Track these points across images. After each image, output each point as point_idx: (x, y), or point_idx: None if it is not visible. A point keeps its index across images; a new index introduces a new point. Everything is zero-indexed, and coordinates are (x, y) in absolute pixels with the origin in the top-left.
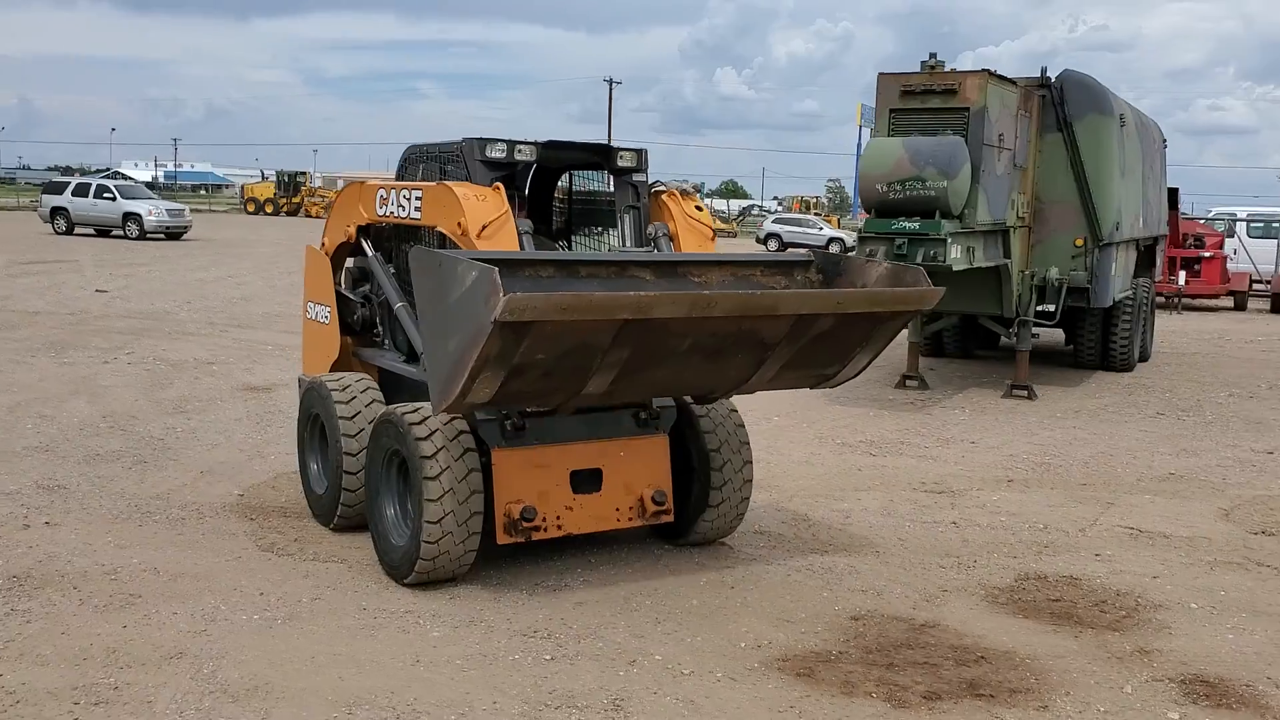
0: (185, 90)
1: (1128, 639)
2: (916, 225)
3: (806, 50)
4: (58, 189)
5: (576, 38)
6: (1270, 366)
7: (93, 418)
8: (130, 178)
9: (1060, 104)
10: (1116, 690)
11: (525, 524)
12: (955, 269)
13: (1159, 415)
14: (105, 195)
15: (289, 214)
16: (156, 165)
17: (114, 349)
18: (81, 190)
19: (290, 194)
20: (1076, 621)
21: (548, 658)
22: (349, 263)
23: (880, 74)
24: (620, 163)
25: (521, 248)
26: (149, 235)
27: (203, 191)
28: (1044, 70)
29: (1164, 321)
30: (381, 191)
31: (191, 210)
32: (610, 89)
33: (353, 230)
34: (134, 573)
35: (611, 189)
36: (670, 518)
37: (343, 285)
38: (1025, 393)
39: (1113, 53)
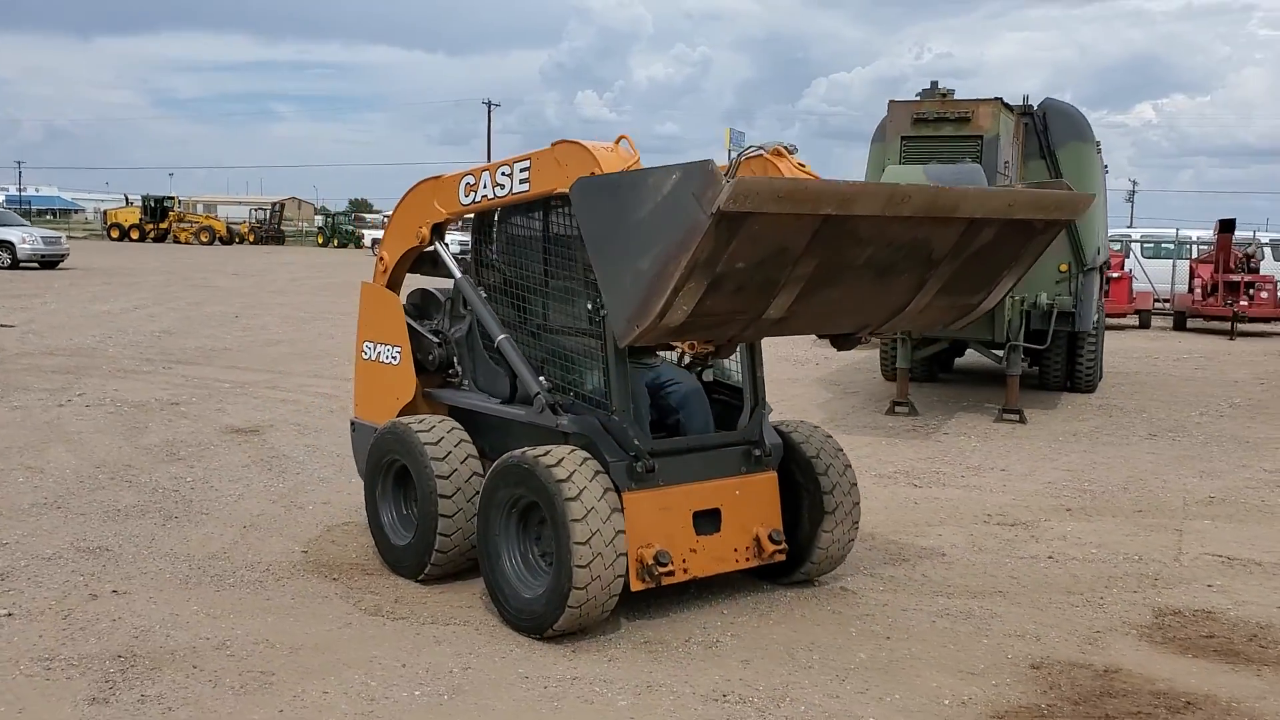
0: (24, 111)
1: None
2: None
3: (666, 74)
4: None
5: (437, 60)
6: (1216, 384)
7: (85, 468)
8: None
9: (1043, 131)
10: None
11: (660, 569)
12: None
13: (1153, 437)
14: None
15: (155, 240)
16: None
17: (60, 390)
18: None
19: (157, 219)
20: (1247, 659)
21: None
22: (402, 297)
23: (891, 101)
24: None
25: None
26: (22, 265)
27: (49, 216)
28: (1026, 98)
29: None
30: (468, 178)
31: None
32: (489, 111)
33: (426, 231)
34: (247, 646)
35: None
36: (783, 556)
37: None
38: (1017, 417)
39: (958, 79)
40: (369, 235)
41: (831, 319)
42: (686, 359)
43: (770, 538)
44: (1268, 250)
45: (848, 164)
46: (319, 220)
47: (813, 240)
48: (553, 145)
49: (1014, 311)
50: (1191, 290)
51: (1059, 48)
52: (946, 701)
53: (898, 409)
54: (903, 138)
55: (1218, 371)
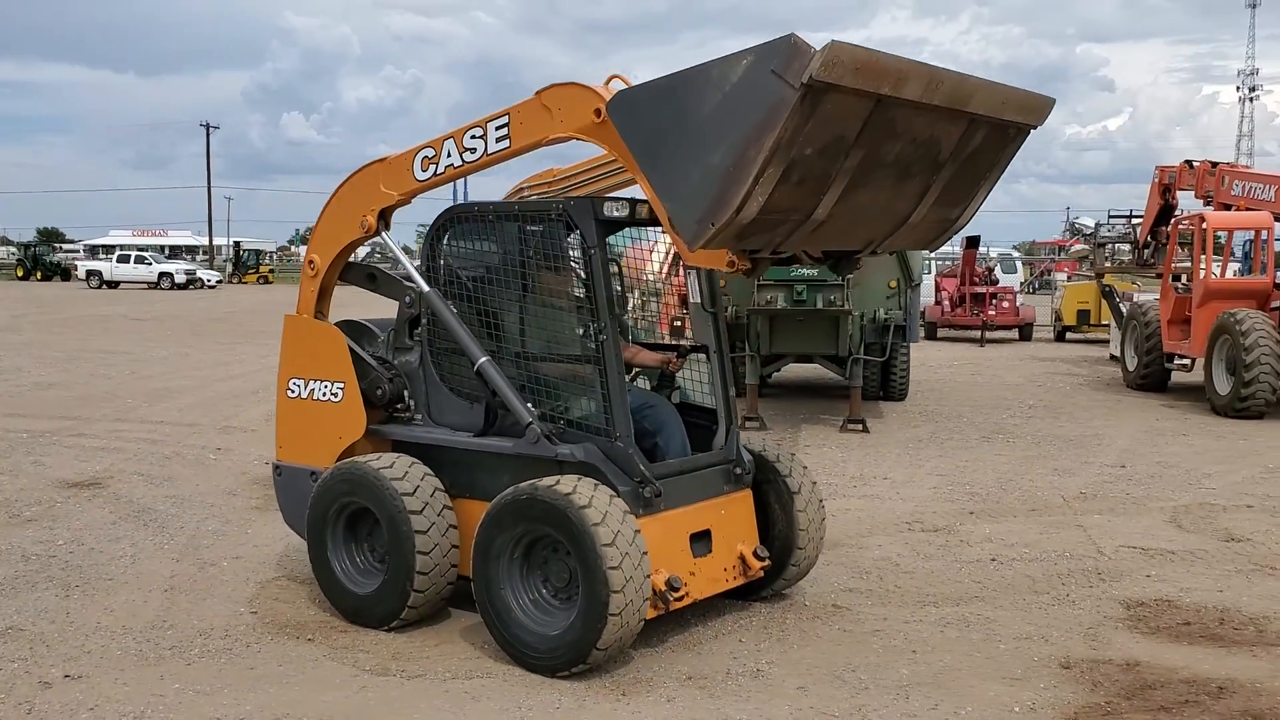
0: None
1: None
2: (815, 271)
3: (377, 96)
4: None
5: (127, 80)
6: (1001, 388)
7: None
8: None
9: None
10: None
11: (673, 594)
12: (848, 310)
13: (988, 440)
14: None
15: None
16: None
17: None
18: None
19: None
20: (1235, 642)
21: None
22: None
23: None
24: None
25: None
26: None
27: None
28: None
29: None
30: (425, 151)
31: None
32: (208, 133)
33: (373, 219)
34: None
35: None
36: (761, 573)
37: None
38: (861, 426)
39: None
40: (84, 266)
41: (853, 229)
42: (653, 383)
43: (755, 554)
44: (997, 265)
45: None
46: (13, 251)
47: (863, 129)
48: (538, 93)
49: (855, 327)
50: (939, 302)
51: None
52: (1017, 709)
53: (749, 424)
54: None
55: (993, 377)
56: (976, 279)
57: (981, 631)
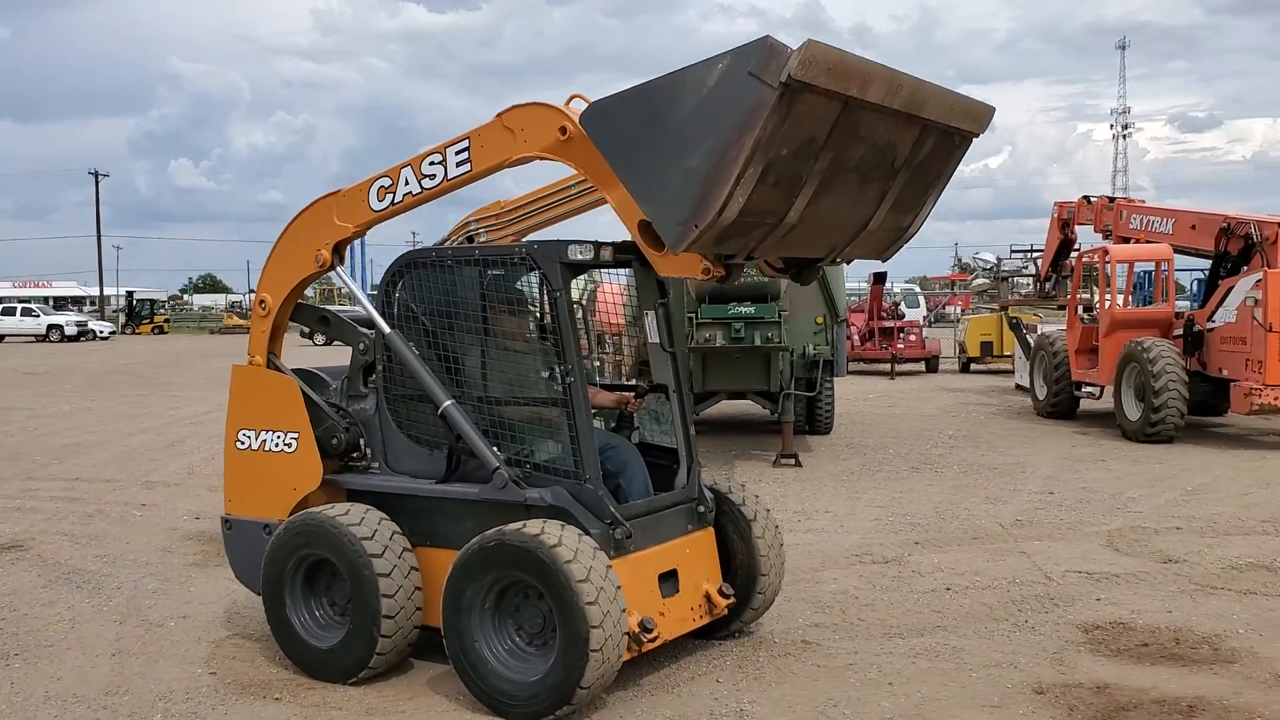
0: None
1: (1255, 668)
2: (753, 310)
3: (268, 142)
4: None
5: (4, 127)
6: (919, 419)
7: None
8: None
9: None
10: None
11: (646, 634)
12: (786, 347)
13: (916, 470)
14: None
15: None
16: None
17: None
18: None
19: None
20: (1194, 661)
21: None
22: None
23: None
24: None
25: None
26: None
27: None
28: None
29: None
30: (381, 180)
31: None
32: (97, 181)
33: (327, 253)
34: None
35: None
36: (726, 611)
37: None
38: (793, 461)
39: None
40: None
41: (819, 234)
42: (611, 424)
43: (721, 592)
44: (902, 300)
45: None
46: None
47: (831, 131)
48: (499, 115)
49: (785, 363)
50: (849, 337)
51: None
52: None
53: None
54: None
55: (909, 408)
56: (884, 314)
57: (952, 661)
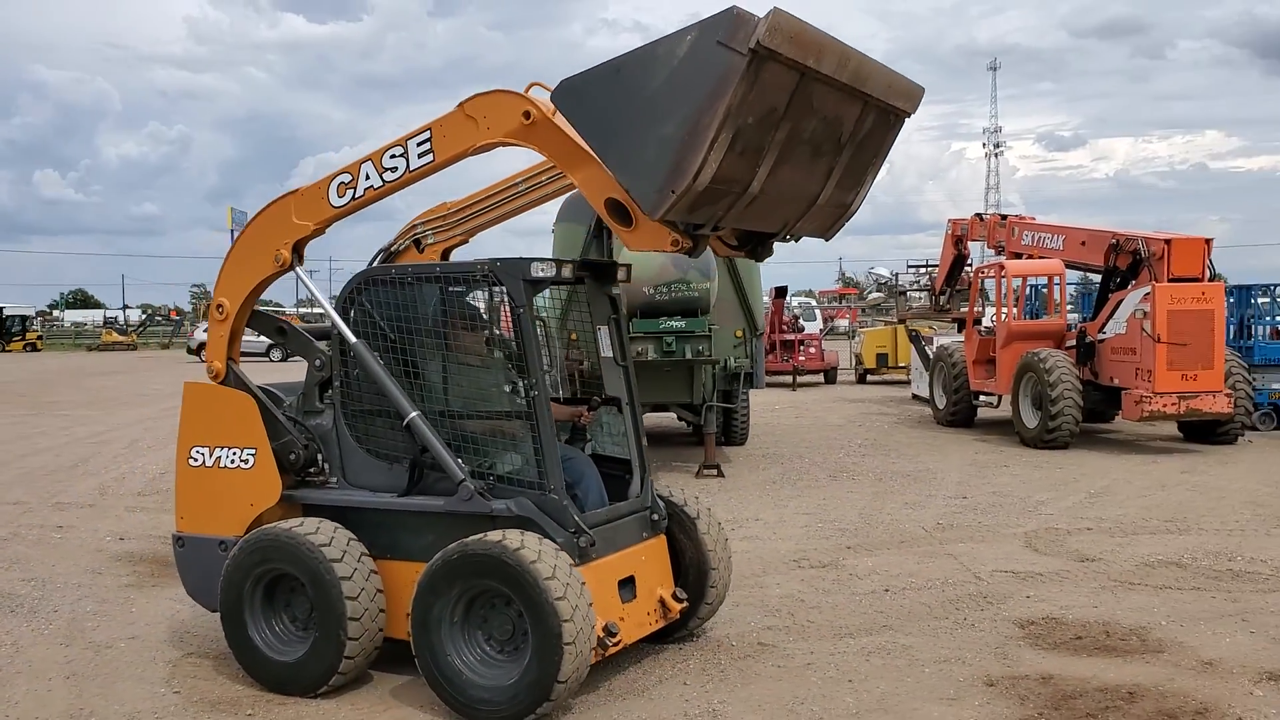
0: None
1: (1181, 656)
2: (683, 324)
3: (140, 153)
4: None
5: None
6: (827, 429)
7: None
8: None
9: None
10: (1248, 691)
11: (610, 639)
12: (716, 360)
13: (835, 478)
14: None
15: None
16: None
17: None
18: None
19: None
20: (1127, 652)
21: None
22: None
23: None
24: (619, 276)
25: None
26: None
27: None
28: None
29: None
30: (341, 177)
31: None
32: None
33: (287, 252)
34: None
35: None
36: (679, 615)
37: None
38: (716, 471)
39: None
40: None
41: (776, 207)
42: (565, 436)
43: (675, 596)
44: (801, 313)
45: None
46: None
47: (790, 101)
48: (460, 104)
49: (709, 375)
50: None
51: None
52: None
53: None
54: None
55: (815, 419)
56: (785, 326)
57: (903, 658)
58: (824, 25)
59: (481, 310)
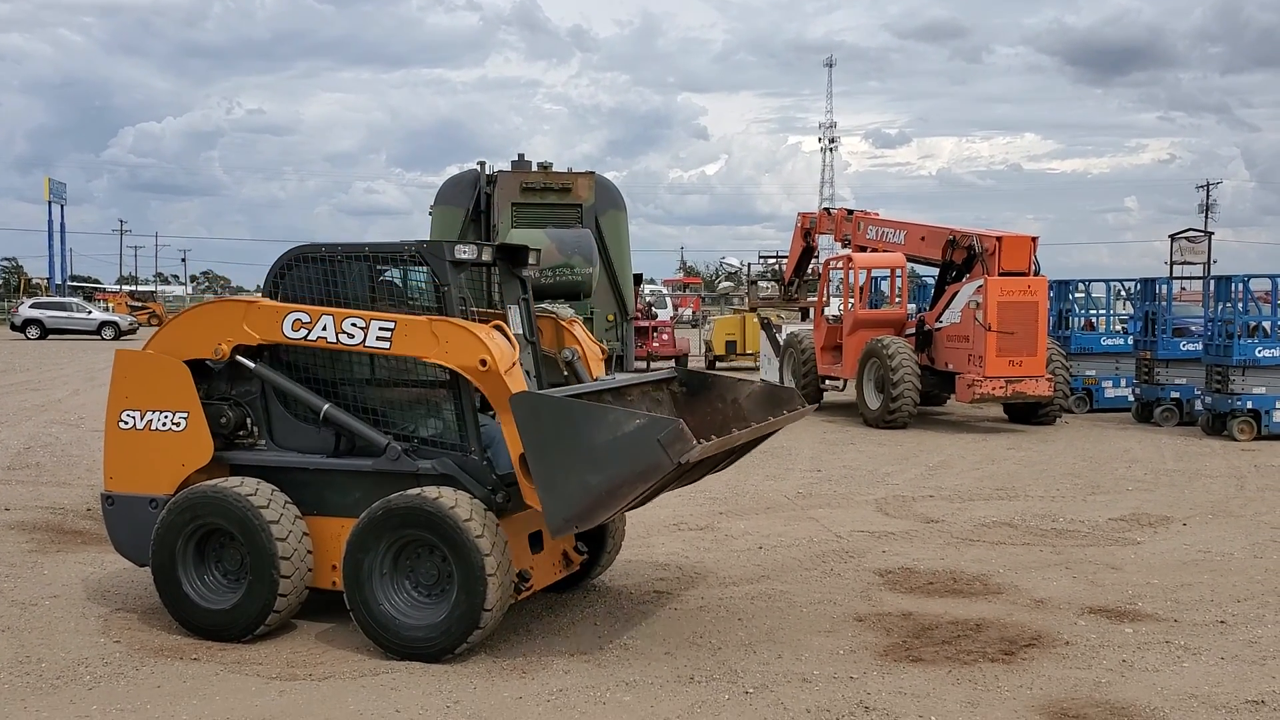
0: None
1: (1017, 597)
2: (572, 310)
3: None
4: None
5: None
6: None
7: None
8: None
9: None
10: (1072, 622)
11: (523, 583)
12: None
13: None
14: None
15: None
16: None
17: None
18: None
19: None
20: (970, 594)
21: (726, 698)
22: None
23: (500, 171)
24: (529, 260)
25: (528, 375)
26: None
27: None
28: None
29: None
30: (298, 315)
31: None
32: None
33: (226, 349)
34: None
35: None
36: (579, 566)
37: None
38: None
39: (275, 135)
40: None
41: None
42: None
43: (576, 549)
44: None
45: (166, 217)
46: None
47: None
48: (430, 319)
49: None
50: None
51: (372, 110)
52: (842, 652)
53: None
54: (514, 204)
55: None
56: (639, 314)
57: (783, 601)
58: (662, 14)
59: (413, 287)
